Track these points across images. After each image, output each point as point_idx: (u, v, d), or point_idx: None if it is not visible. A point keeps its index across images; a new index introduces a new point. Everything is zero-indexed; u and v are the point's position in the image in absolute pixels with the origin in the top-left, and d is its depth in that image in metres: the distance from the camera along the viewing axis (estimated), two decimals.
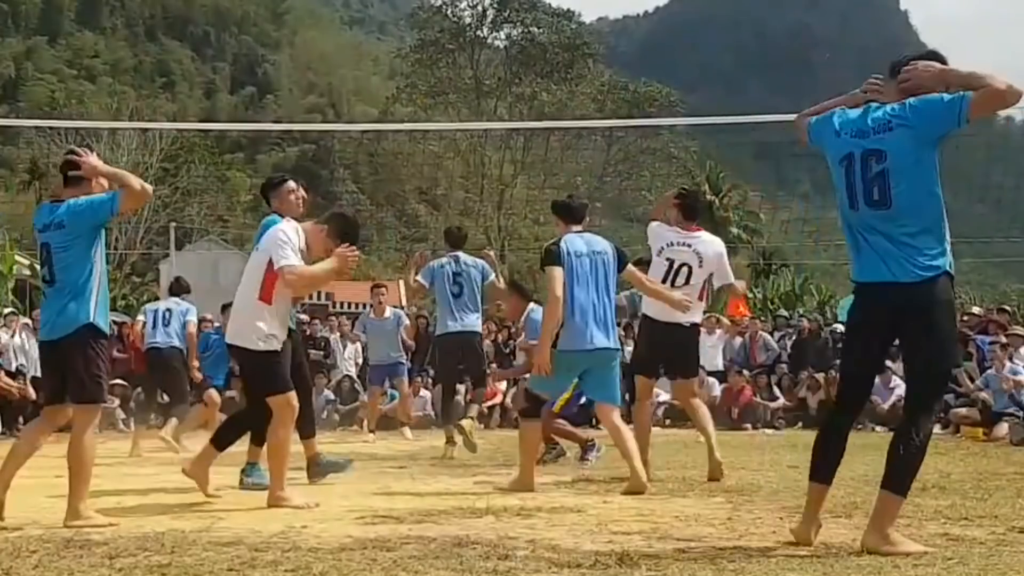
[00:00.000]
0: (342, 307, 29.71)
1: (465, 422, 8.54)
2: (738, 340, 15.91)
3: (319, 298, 28.90)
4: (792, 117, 4.57)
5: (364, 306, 23.52)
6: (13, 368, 13.66)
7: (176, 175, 40.27)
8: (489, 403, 13.80)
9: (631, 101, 40.84)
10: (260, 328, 5.54)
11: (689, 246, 6.88)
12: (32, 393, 13.60)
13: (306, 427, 6.56)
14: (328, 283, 6.00)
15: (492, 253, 10.89)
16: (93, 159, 5.18)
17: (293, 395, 5.64)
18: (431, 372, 15.60)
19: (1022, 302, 33.21)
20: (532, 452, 6.36)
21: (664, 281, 6.75)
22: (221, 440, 5.87)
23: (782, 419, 14.69)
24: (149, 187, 5.18)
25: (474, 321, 9.07)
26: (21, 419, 13.52)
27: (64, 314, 4.95)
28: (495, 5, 42.92)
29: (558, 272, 6.05)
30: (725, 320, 16.27)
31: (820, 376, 15.00)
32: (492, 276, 9.17)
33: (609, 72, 45.74)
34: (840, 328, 16.71)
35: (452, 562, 3.66)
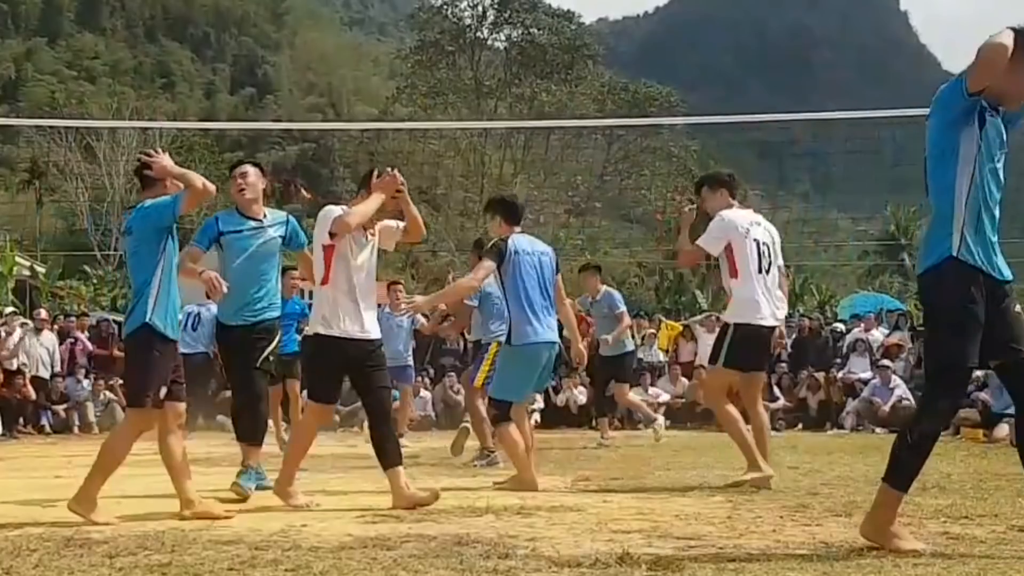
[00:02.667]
0: None
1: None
2: None
3: None
4: (792, 117, 4.58)
5: None
6: (14, 367, 13.65)
7: None
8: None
9: (631, 101, 40.80)
10: (317, 313, 5.42)
11: (759, 223, 6.46)
12: (32, 393, 13.61)
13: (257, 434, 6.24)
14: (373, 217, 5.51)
15: None
16: (164, 160, 5.16)
17: (327, 409, 5.54)
18: (431, 372, 15.63)
19: (1022, 302, 33.16)
20: (517, 452, 6.32)
21: (759, 267, 6.27)
22: (387, 458, 5.44)
23: (782, 420, 14.66)
24: (211, 186, 5.10)
25: (498, 328, 9.12)
26: (21, 420, 13.56)
27: (130, 316, 5.04)
28: (495, 6, 42.88)
29: (490, 267, 6.28)
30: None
31: (820, 376, 15.00)
32: None
33: (609, 73, 45.72)
34: (840, 327, 16.71)
35: (452, 561, 3.66)
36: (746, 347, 6.29)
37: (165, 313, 4.97)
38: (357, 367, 5.41)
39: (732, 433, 6.35)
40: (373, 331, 5.46)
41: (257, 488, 5.95)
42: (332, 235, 5.36)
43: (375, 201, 5.44)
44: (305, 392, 6.92)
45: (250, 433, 6.17)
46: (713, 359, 6.48)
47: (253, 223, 6.20)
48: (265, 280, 6.21)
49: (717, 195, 6.50)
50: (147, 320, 4.93)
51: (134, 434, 5.02)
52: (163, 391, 4.99)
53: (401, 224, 5.75)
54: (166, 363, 4.99)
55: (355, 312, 5.37)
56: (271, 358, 6.18)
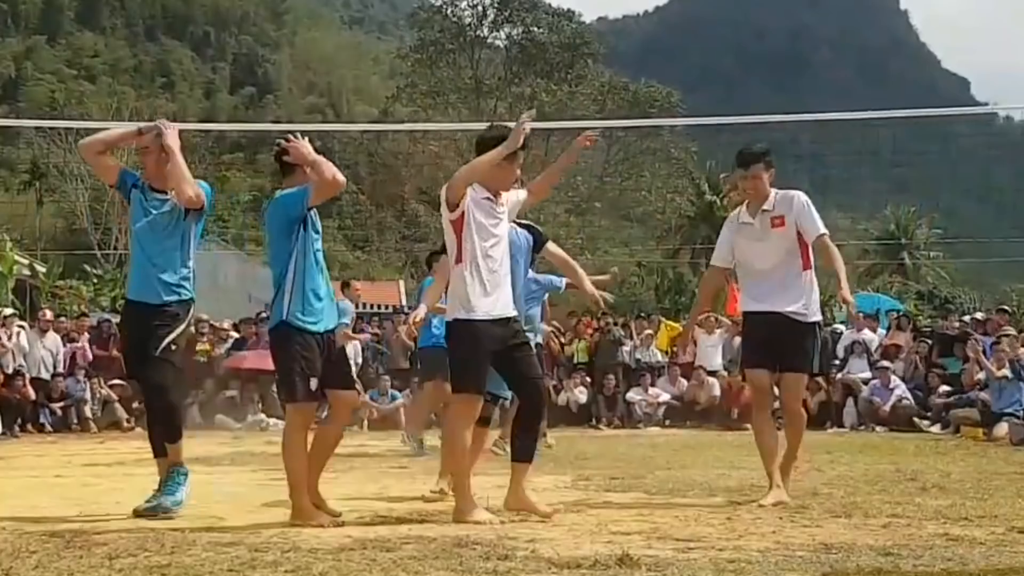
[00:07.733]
0: None
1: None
2: (738, 340, 15.87)
3: None
4: (792, 117, 4.51)
5: (366, 305, 23.50)
6: (11, 370, 13.62)
7: None
8: None
9: (631, 102, 40.79)
10: (458, 293, 4.85)
11: None
12: (31, 393, 13.60)
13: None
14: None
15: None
16: (302, 145, 4.88)
17: (474, 400, 4.88)
18: None
19: (1022, 302, 33.19)
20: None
21: None
22: (518, 451, 5.10)
23: (782, 419, 14.61)
24: (341, 177, 4.80)
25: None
26: (20, 420, 13.54)
27: (271, 310, 4.99)
28: (495, 5, 42.87)
29: None
30: (725, 319, 16.24)
31: (819, 376, 14.97)
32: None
33: (609, 72, 45.70)
34: (840, 328, 16.68)
35: (452, 562, 3.66)
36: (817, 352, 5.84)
37: (302, 306, 4.83)
38: (501, 350, 4.88)
39: (794, 447, 5.98)
40: (510, 309, 4.97)
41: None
42: (452, 206, 4.86)
43: (497, 151, 4.82)
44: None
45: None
46: (810, 364, 5.88)
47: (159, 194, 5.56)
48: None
49: (769, 175, 5.89)
50: (284, 318, 4.84)
51: (298, 430, 4.91)
52: (313, 382, 4.83)
53: (522, 192, 5.26)
54: (310, 355, 4.82)
55: (491, 289, 4.85)
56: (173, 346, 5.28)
